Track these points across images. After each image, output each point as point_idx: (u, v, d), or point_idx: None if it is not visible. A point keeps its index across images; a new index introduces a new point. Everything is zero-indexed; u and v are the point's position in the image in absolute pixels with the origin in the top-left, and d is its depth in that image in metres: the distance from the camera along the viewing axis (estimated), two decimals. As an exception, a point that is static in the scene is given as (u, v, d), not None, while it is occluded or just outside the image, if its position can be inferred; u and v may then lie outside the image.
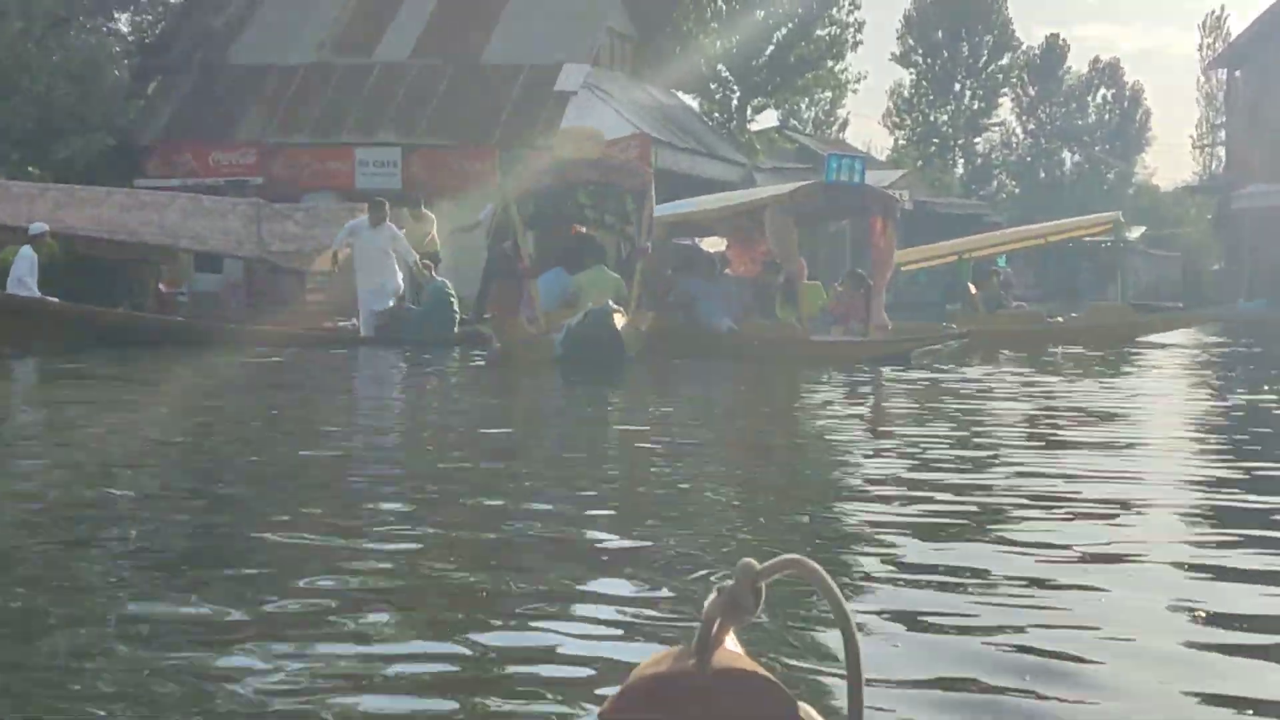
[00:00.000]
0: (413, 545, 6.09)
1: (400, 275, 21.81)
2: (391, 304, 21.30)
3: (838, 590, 1.42)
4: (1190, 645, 4.26)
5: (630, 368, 17.04)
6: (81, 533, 6.34)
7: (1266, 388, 16.07)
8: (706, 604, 1.55)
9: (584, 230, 20.86)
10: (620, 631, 4.45)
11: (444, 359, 19.72)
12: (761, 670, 1.58)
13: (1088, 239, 46.08)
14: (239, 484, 8.30)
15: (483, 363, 19.21)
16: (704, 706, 1.54)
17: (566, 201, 19.99)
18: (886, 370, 17.57)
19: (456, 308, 21.92)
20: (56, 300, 20.35)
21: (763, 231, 20.76)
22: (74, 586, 5.12)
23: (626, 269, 19.38)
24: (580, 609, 4.87)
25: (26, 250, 20.84)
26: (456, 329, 21.76)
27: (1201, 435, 11.99)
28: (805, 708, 1.55)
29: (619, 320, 16.80)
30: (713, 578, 2.48)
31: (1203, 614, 4.64)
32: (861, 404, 14.51)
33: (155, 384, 15.01)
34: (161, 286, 26.45)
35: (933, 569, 5.52)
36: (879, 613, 4.67)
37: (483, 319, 20.69)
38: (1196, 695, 3.72)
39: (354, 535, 6.32)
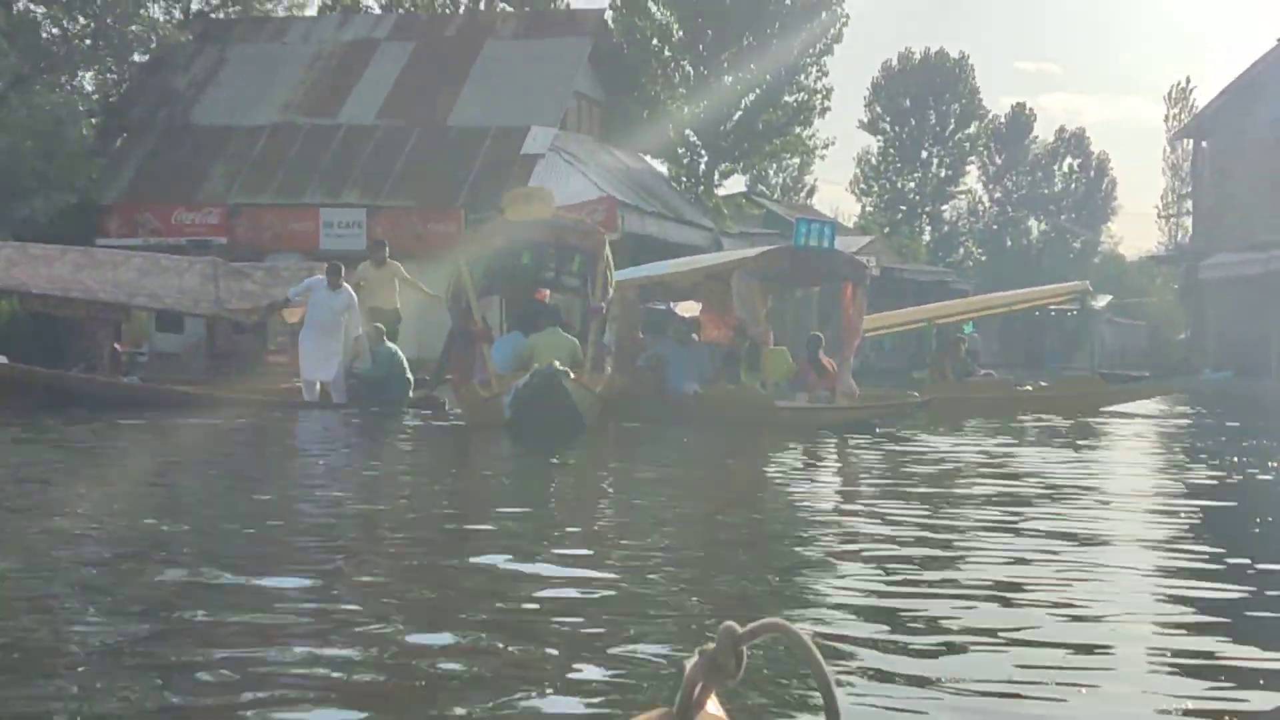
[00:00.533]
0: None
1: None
2: (336, 369, 20.92)
3: (817, 652, 1.47)
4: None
5: (587, 431, 16.66)
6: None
7: (1238, 459, 15.67)
8: (688, 666, 1.63)
9: (547, 293, 20.66)
10: (599, 698, 4.40)
11: (399, 423, 19.32)
12: None
13: (1054, 308, 46.13)
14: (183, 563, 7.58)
15: (441, 424, 18.92)
16: None
17: (514, 263, 19.86)
18: (851, 438, 17.09)
19: (409, 373, 21.59)
20: (5, 360, 20.38)
21: (752, 297, 20.38)
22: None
23: (583, 331, 19.12)
24: (557, 677, 4.75)
25: None
26: (411, 393, 21.54)
27: (1173, 511, 11.42)
28: None
29: (570, 381, 16.34)
30: (693, 645, 1.96)
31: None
32: (823, 471, 14.23)
33: (90, 450, 14.40)
34: (117, 346, 25.92)
35: (902, 632, 5.49)
36: (857, 671, 4.68)
37: (441, 382, 20.80)
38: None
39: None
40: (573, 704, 4.43)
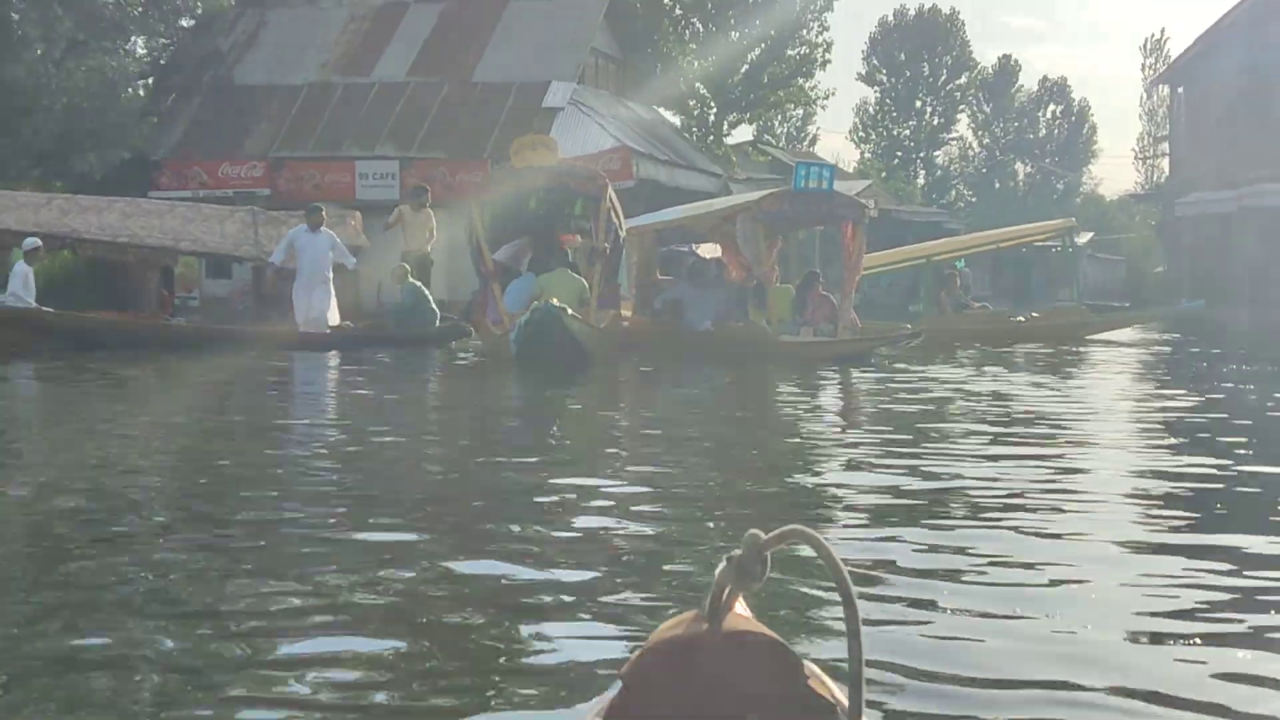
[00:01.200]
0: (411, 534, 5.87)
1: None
2: (332, 302, 21.01)
3: (838, 557, 1.55)
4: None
5: (593, 363, 16.66)
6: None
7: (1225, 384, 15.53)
8: (717, 572, 1.70)
9: (577, 238, 20.52)
10: (625, 609, 4.44)
11: (425, 357, 19.31)
12: (769, 632, 1.76)
13: (1040, 244, 46.01)
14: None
15: (463, 360, 18.68)
16: (717, 665, 1.73)
17: (523, 208, 19.83)
18: (853, 370, 16.95)
19: (433, 304, 21.58)
20: (50, 310, 20.08)
21: (760, 239, 20.28)
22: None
23: (589, 271, 18.95)
24: (587, 592, 4.79)
25: (19, 266, 20.50)
26: (437, 324, 21.55)
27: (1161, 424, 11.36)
28: (810, 666, 1.77)
29: (570, 318, 16.31)
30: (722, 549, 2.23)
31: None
32: (823, 402, 13.94)
33: (126, 386, 14.27)
34: (165, 291, 25.98)
35: (903, 553, 5.42)
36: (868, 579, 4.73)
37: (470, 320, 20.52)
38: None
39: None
40: (613, 608, 4.46)
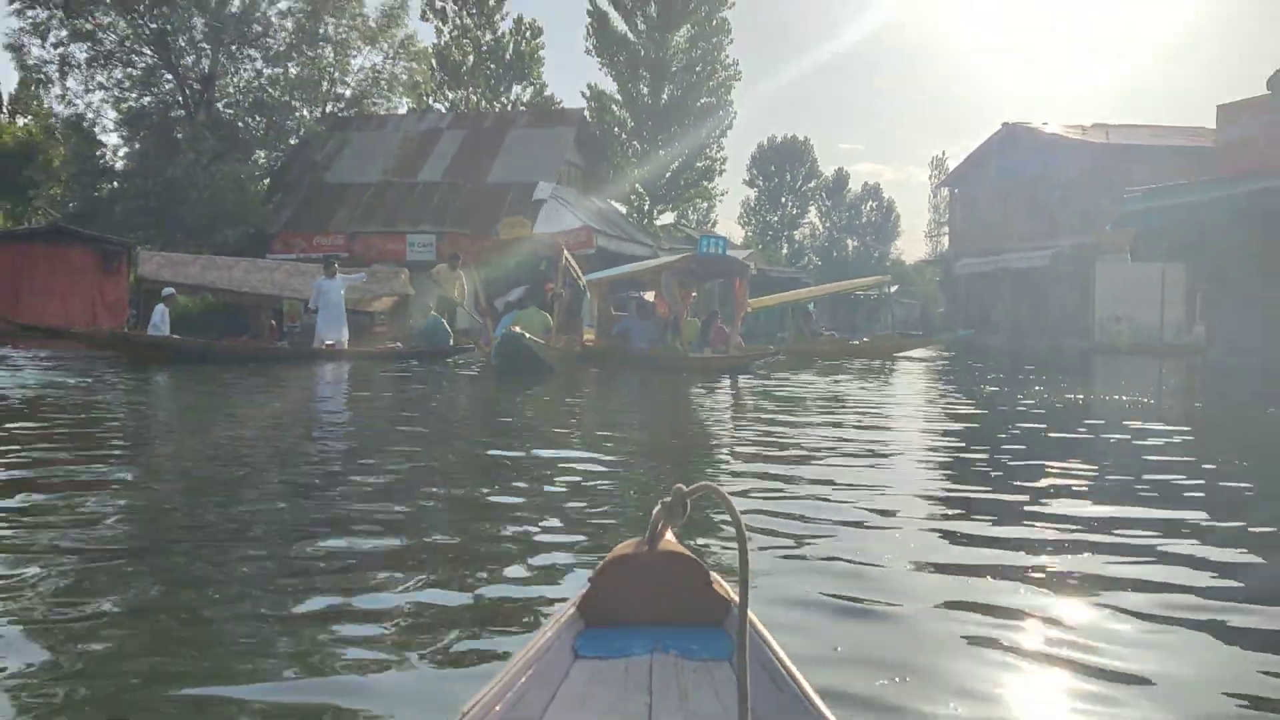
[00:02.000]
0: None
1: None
2: (345, 331, 20.63)
3: (733, 502, 1.62)
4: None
5: (555, 374, 16.46)
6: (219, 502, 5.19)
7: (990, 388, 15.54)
8: (654, 511, 1.90)
9: (559, 289, 20.53)
10: (582, 540, 4.34)
11: (441, 367, 19.04)
12: (688, 551, 1.95)
13: (863, 293, 46.38)
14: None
15: (469, 370, 18.46)
16: (654, 572, 1.93)
17: (517, 267, 20.30)
18: (739, 378, 17.02)
19: (449, 331, 21.47)
20: (178, 337, 19.92)
21: (680, 289, 20.66)
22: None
23: (552, 309, 19.28)
24: (561, 522, 4.75)
25: (160, 307, 20.65)
26: (450, 343, 21.37)
27: (951, 419, 11.15)
28: (714, 576, 1.95)
29: (538, 339, 16.80)
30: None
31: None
32: (717, 397, 13.81)
33: (244, 389, 13.83)
34: (273, 322, 25.82)
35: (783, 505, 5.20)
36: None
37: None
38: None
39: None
40: (576, 538, 4.37)
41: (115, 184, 39.02)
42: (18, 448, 7.02)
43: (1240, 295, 22.10)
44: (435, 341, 21.01)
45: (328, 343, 20.00)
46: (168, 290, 21.52)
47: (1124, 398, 13.69)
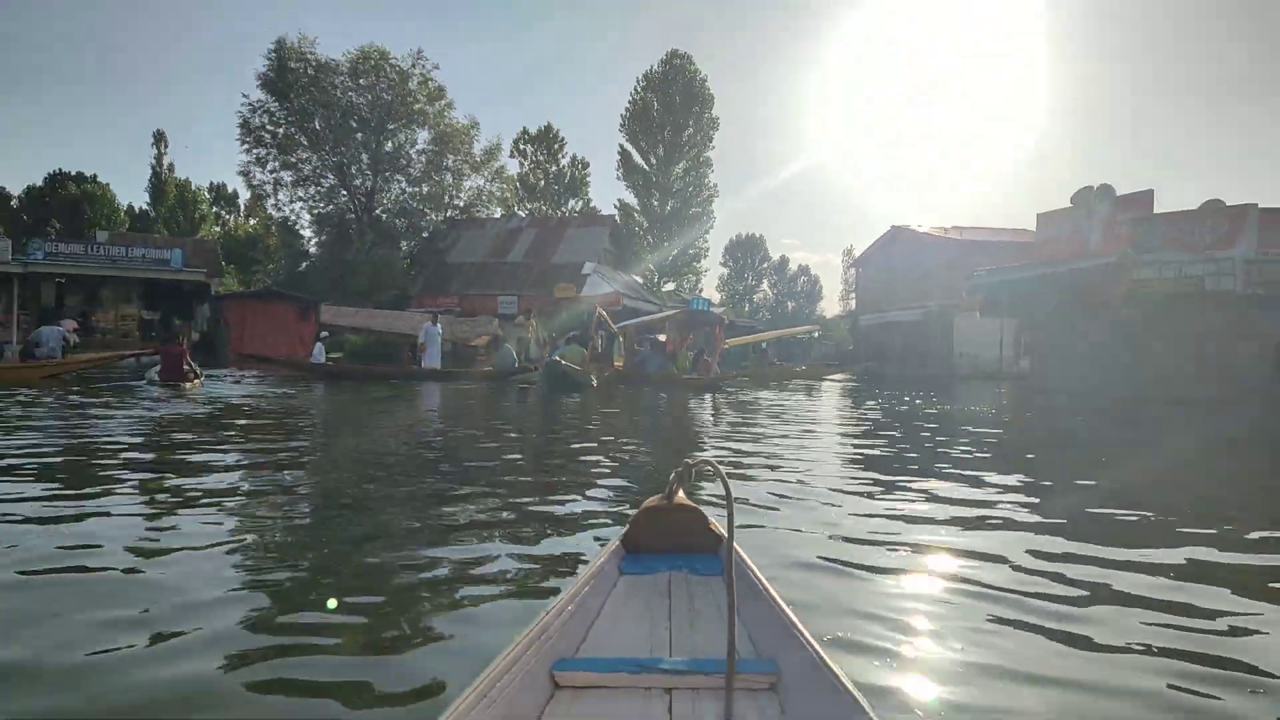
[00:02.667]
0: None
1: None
2: (438, 357, 19.61)
3: (723, 471, 1.66)
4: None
5: (589, 391, 15.75)
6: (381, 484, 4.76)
7: (882, 403, 15.23)
8: (670, 477, 1.93)
9: (593, 335, 20.28)
10: (620, 498, 4.27)
11: (511, 386, 18.18)
12: (694, 504, 2.00)
13: (800, 336, 45.84)
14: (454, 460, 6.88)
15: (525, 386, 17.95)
16: (670, 519, 1.96)
17: (564, 319, 20.10)
18: (716, 395, 16.62)
19: (515, 360, 20.42)
20: (331, 363, 20.09)
21: (679, 333, 20.31)
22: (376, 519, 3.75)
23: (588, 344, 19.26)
24: (603, 486, 4.68)
25: (318, 346, 20.38)
26: (516, 366, 20.53)
27: (863, 425, 10.93)
28: (711, 519, 1.99)
29: (574, 366, 16.32)
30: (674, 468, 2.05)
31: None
32: (703, 404, 13.49)
33: (396, 400, 13.65)
34: (409, 354, 25.62)
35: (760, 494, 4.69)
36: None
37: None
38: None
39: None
40: (605, 499, 4.27)
41: (308, 263, 39.06)
42: (242, 435, 6.89)
43: (1052, 341, 21.86)
44: (504, 366, 20.36)
45: (432, 366, 19.55)
46: (324, 333, 21.41)
47: (981, 408, 13.48)
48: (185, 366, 13.95)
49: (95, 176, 68.76)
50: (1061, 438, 8.94)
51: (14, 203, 67.46)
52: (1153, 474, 6.08)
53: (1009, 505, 4.23)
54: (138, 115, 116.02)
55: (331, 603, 2.48)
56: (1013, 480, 5.13)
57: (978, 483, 4.95)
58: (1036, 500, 4.44)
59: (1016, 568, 3.01)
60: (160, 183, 68.94)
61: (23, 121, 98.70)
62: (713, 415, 11.34)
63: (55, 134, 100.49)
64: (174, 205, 69.59)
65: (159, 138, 69.34)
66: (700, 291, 63.42)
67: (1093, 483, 5.21)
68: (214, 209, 71.24)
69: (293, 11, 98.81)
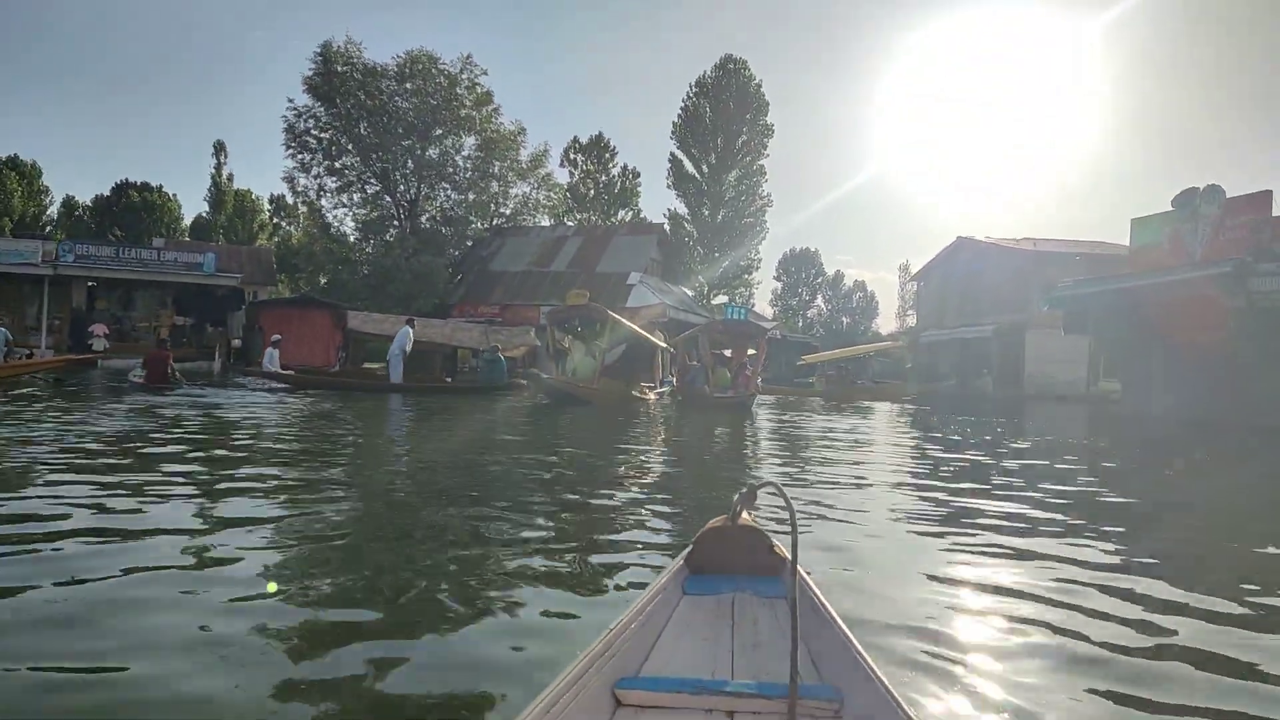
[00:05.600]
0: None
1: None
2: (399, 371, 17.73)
3: (787, 494, 1.67)
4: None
5: (593, 407, 14.51)
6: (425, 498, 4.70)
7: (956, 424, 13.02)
8: (735, 498, 1.93)
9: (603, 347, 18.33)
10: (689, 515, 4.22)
11: (498, 400, 16.24)
12: (757, 525, 1.97)
13: (871, 354, 43.61)
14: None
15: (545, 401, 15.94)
16: (734, 540, 1.92)
17: (569, 325, 18.22)
18: (759, 412, 14.78)
19: (505, 368, 18.84)
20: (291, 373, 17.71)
21: (711, 346, 18.37)
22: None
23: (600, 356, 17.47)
24: (666, 510, 4.54)
25: (269, 350, 18.39)
26: (505, 381, 18.75)
27: (922, 442, 8.83)
28: (775, 542, 1.95)
29: (568, 381, 15.44)
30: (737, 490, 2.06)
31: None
32: (725, 423, 11.67)
33: (438, 410, 12.00)
34: (440, 365, 24.05)
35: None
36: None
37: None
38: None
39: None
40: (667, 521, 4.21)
41: (349, 269, 38.06)
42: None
43: (1147, 361, 19.23)
44: (494, 377, 18.46)
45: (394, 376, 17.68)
46: (276, 337, 19.65)
47: (1070, 437, 11.21)
48: (168, 371, 13.90)
49: (160, 186, 69.64)
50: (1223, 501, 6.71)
51: (80, 211, 68.60)
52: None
53: (1108, 569, 3.55)
54: (203, 126, 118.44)
55: (271, 586, 2.82)
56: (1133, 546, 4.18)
57: (1072, 532, 4.35)
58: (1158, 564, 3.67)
59: (1106, 618, 2.79)
60: (220, 192, 69.47)
61: (98, 133, 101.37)
62: (747, 431, 9.68)
63: (126, 144, 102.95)
64: (233, 214, 70.09)
65: (219, 148, 69.97)
66: (753, 305, 61.53)
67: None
68: (274, 219, 71.60)
69: (352, 21, 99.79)
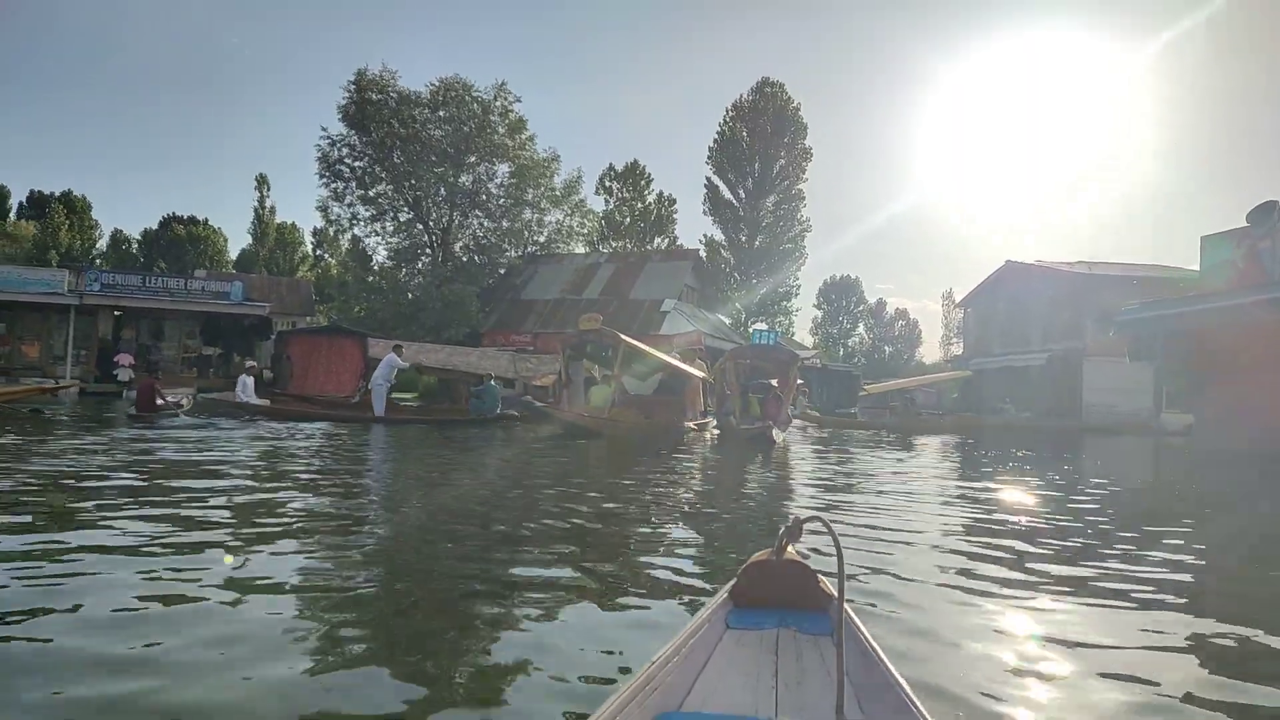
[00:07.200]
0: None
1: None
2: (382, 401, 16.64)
3: (833, 527, 1.62)
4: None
5: (599, 439, 13.60)
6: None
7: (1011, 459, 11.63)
8: (781, 531, 1.86)
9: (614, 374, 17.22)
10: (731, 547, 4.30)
11: (492, 431, 15.00)
12: (802, 560, 1.93)
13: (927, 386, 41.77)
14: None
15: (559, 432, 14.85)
16: (778, 574, 1.88)
17: (585, 350, 17.05)
18: (791, 443, 13.44)
19: (499, 400, 17.73)
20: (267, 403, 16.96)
21: (737, 373, 17.14)
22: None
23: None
24: (709, 543, 4.51)
25: (242, 378, 17.40)
26: (499, 412, 17.53)
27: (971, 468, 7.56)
28: (821, 578, 1.91)
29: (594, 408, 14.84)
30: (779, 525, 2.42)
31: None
32: (750, 456, 10.51)
33: (458, 444, 10.99)
34: (467, 394, 23.18)
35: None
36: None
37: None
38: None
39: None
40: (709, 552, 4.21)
41: (379, 297, 37.63)
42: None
43: (1223, 390, 17.54)
44: (488, 408, 17.31)
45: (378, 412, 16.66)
46: (251, 364, 18.83)
47: (1141, 476, 9.79)
48: (157, 399, 13.90)
49: (206, 220, 70.75)
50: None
51: (127, 244, 69.86)
52: None
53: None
54: (252, 159, 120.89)
55: (228, 559, 3.27)
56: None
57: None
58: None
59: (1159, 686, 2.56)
60: (262, 225, 70.28)
61: (147, 172, 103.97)
62: (776, 467, 8.66)
63: (174, 181, 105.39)
64: (274, 247, 70.82)
65: (261, 181, 70.95)
66: (792, 333, 60.07)
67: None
68: (317, 251, 72.19)
69: (386, 45, 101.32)
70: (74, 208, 65.96)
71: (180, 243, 67.06)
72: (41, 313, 24.84)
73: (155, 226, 70.10)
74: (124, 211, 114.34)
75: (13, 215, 67.44)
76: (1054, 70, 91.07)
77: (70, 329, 25.08)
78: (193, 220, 70.65)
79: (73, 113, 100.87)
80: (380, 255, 39.88)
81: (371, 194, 38.24)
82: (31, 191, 69.39)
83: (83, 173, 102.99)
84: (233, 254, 71.23)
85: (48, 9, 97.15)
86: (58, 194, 67.15)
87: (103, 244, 68.88)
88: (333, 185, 37.82)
